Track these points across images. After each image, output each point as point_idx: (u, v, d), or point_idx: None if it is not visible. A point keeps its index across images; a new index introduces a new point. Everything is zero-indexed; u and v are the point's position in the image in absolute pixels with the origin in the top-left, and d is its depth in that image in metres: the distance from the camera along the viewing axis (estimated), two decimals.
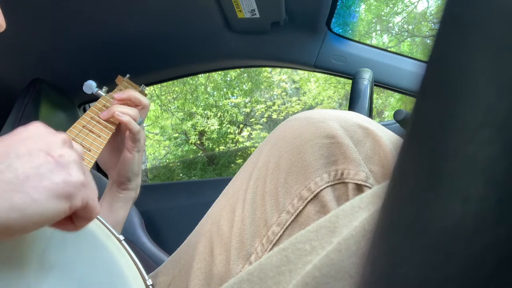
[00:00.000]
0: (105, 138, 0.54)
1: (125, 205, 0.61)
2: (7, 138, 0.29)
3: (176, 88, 5.49)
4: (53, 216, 0.28)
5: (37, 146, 0.29)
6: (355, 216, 0.29)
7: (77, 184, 0.29)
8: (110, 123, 0.56)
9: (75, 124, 0.52)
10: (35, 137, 0.30)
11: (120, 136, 0.61)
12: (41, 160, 0.28)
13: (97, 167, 1.18)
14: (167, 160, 5.67)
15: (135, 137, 0.57)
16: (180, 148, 5.73)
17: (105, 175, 0.65)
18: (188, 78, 5.21)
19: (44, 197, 0.27)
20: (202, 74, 4.22)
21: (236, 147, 5.62)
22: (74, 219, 0.31)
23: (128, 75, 0.72)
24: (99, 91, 0.64)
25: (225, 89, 5.55)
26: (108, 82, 0.72)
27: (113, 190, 0.60)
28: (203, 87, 5.52)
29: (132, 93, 0.59)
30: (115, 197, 0.60)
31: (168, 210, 1.23)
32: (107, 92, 0.65)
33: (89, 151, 0.50)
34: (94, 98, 0.65)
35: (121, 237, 0.41)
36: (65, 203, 0.28)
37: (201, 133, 5.54)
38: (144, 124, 0.63)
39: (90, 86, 0.63)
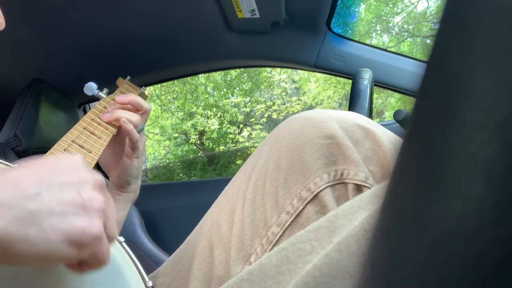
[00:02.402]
0: (106, 140, 0.54)
1: (125, 206, 0.61)
2: (46, 162, 0.29)
3: (176, 88, 5.49)
4: (58, 259, 0.27)
5: (71, 180, 0.28)
6: (355, 216, 0.29)
7: (94, 236, 0.27)
8: (111, 125, 0.56)
9: (76, 125, 0.52)
10: (72, 169, 0.29)
11: (120, 140, 0.61)
12: (70, 197, 0.27)
13: (97, 168, 1.18)
14: (167, 160, 5.67)
15: (134, 145, 0.57)
16: (180, 148, 5.73)
17: (106, 176, 0.65)
18: (188, 78, 5.21)
19: (57, 239, 0.26)
20: (202, 74, 4.22)
21: (236, 147, 5.62)
22: (80, 263, 0.30)
23: (128, 77, 0.72)
24: (100, 93, 0.64)
25: (225, 89, 5.55)
26: (108, 82, 0.72)
27: (113, 192, 0.61)
28: (203, 87, 5.52)
29: (134, 97, 0.59)
30: (114, 199, 0.60)
31: (168, 210, 1.23)
32: (108, 93, 0.65)
33: (90, 152, 0.50)
34: (95, 98, 0.65)
35: (122, 239, 0.41)
36: (74, 250, 0.27)
37: (201, 133, 5.54)
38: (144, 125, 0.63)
39: (91, 87, 0.63)
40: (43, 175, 0.27)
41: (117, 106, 0.58)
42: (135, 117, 0.57)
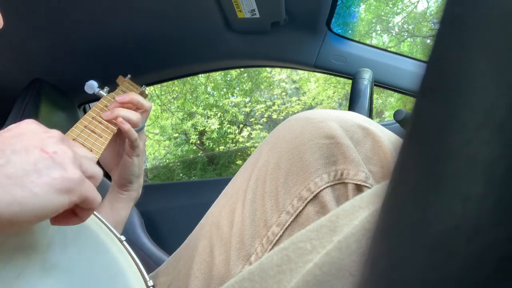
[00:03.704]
0: (107, 138, 0.54)
1: (127, 205, 0.61)
2: (3, 134, 0.30)
3: (176, 88, 5.49)
4: (53, 209, 0.29)
5: (32, 142, 0.30)
6: (356, 215, 0.29)
7: (74, 180, 0.30)
8: (111, 123, 0.56)
9: (77, 124, 0.52)
10: (29, 134, 0.31)
11: (121, 138, 0.61)
12: (36, 156, 0.29)
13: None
14: (167, 160, 5.67)
15: (133, 144, 0.58)
16: (180, 148, 5.73)
17: (107, 176, 0.65)
18: (188, 78, 5.21)
19: (45, 191, 0.28)
20: (202, 74, 4.22)
21: (236, 147, 5.62)
22: (77, 211, 0.32)
23: (129, 76, 0.72)
24: (101, 91, 0.64)
25: (225, 89, 5.55)
26: (108, 82, 0.72)
27: (115, 191, 0.61)
28: (203, 86, 5.52)
29: (134, 96, 0.59)
30: (116, 198, 0.60)
31: (168, 210, 1.23)
32: (108, 92, 0.65)
33: (91, 151, 0.50)
34: (95, 98, 0.65)
35: (123, 238, 0.41)
36: (65, 197, 0.29)
37: (201, 133, 5.54)
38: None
39: (91, 86, 0.63)
40: (3, 144, 0.29)
41: (117, 104, 0.58)
42: (135, 115, 0.57)
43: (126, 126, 0.56)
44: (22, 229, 0.32)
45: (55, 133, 0.32)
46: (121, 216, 0.60)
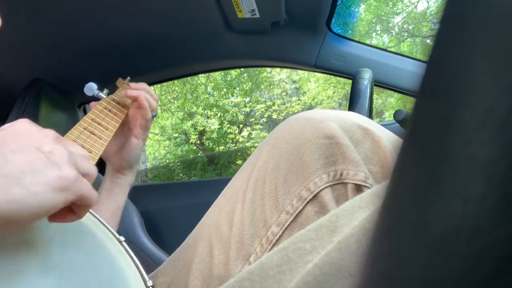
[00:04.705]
0: (106, 140, 0.54)
1: (123, 190, 0.64)
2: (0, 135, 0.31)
3: (176, 88, 5.49)
4: (51, 207, 0.29)
5: (28, 142, 0.30)
6: (355, 215, 0.29)
7: (70, 179, 0.30)
8: (111, 125, 0.57)
9: (76, 126, 0.53)
10: (24, 134, 0.31)
11: (126, 127, 0.65)
12: (33, 156, 0.30)
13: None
14: (167, 160, 5.67)
15: (146, 124, 0.62)
16: (180, 148, 5.73)
17: (101, 173, 0.66)
18: (188, 78, 5.21)
19: (42, 190, 0.29)
20: (202, 74, 4.22)
21: (236, 147, 5.62)
22: (74, 209, 0.33)
23: (128, 78, 0.72)
24: (100, 93, 0.64)
25: (225, 89, 5.55)
26: (108, 82, 0.72)
27: (113, 176, 0.64)
28: (203, 86, 5.52)
29: (146, 86, 0.64)
30: (114, 183, 0.64)
31: (168, 210, 1.23)
32: (108, 94, 0.65)
33: (90, 152, 0.50)
34: (95, 99, 0.65)
35: (122, 238, 0.41)
36: (61, 195, 0.30)
37: (201, 133, 5.54)
38: None
39: (91, 88, 0.64)
40: (1, 145, 0.29)
41: (131, 89, 0.63)
42: (153, 99, 0.63)
43: (146, 104, 0.61)
44: (20, 228, 0.32)
45: (50, 132, 0.33)
46: (119, 203, 0.63)
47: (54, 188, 0.29)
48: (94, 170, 0.35)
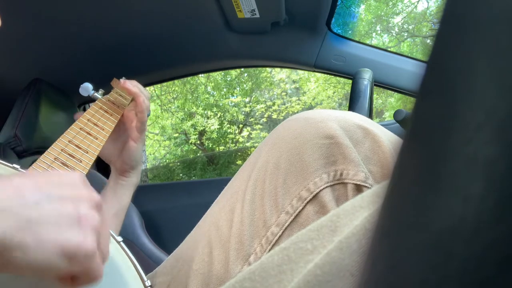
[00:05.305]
0: (102, 140, 0.54)
1: (128, 191, 0.65)
2: (49, 174, 0.30)
3: (176, 88, 5.49)
4: (49, 270, 0.26)
5: (71, 195, 0.29)
6: (356, 215, 0.29)
7: (87, 251, 0.27)
8: (107, 125, 0.57)
9: (72, 126, 0.53)
10: (72, 186, 0.30)
11: (123, 129, 0.65)
12: (68, 211, 0.28)
13: (96, 167, 1.18)
14: (167, 160, 5.67)
15: (142, 126, 0.62)
16: (180, 148, 5.73)
17: (105, 175, 0.67)
18: (188, 78, 5.21)
19: (51, 249, 0.26)
20: (202, 74, 4.22)
21: (236, 147, 5.62)
22: (73, 277, 0.29)
23: (123, 78, 0.72)
24: (96, 94, 0.64)
25: (225, 89, 5.55)
26: (109, 82, 0.72)
27: (117, 178, 0.64)
28: (203, 87, 5.52)
29: (139, 84, 0.65)
30: (118, 185, 0.64)
31: (168, 210, 1.23)
32: (103, 94, 0.65)
33: (87, 153, 0.50)
34: (91, 99, 0.66)
35: (120, 239, 0.41)
36: (66, 263, 0.27)
37: (201, 133, 5.54)
38: None
39: (86, 88, 0.64)
40: (44, 186, 0.28)
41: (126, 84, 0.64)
42: (146, 98, 0.63)
43: (144, 106, 0.61)
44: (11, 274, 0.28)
45: (97, 196, 0.31)
46: (123, 202, 0.64)
47: (64, 252, 0.26)
48: (107, 254, 0.32)
